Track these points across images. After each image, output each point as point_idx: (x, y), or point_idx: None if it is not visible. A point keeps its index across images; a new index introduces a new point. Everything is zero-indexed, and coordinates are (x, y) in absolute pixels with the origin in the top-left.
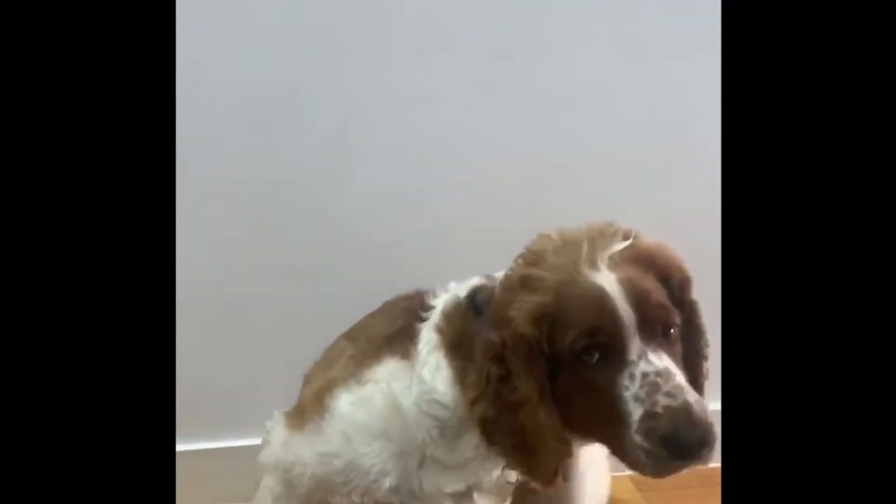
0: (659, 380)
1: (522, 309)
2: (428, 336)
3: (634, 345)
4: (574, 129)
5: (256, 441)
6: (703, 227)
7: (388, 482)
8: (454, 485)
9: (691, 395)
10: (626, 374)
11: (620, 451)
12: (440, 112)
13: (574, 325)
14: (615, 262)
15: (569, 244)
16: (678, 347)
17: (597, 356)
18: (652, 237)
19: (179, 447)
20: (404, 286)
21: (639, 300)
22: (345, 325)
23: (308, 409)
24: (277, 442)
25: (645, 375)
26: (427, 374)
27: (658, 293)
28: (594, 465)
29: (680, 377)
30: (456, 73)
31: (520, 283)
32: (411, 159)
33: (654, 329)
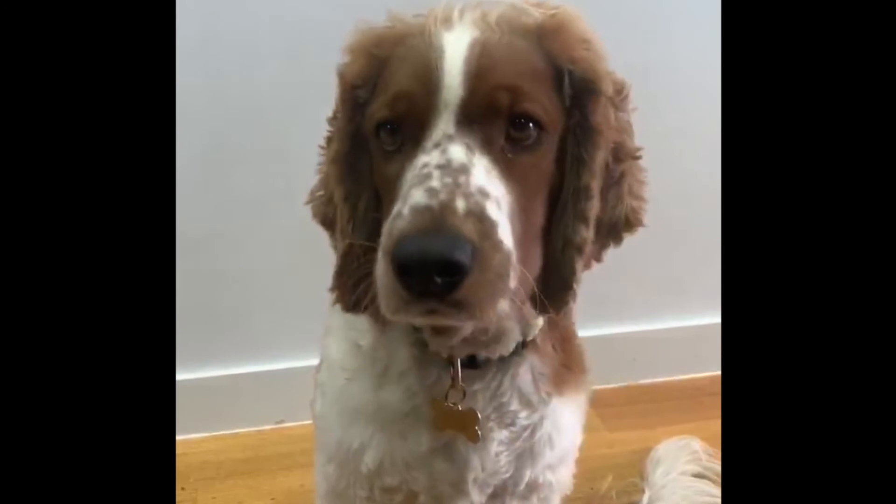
0: (435, 172)
1: (351, 45)
2: None
3: (441, 126)
4: None
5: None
6: None
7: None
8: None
9: (461, 198)
10: (414, 165)
11: None
12: None
13: (384, 89)
14: (485, 25)
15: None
16: (543, 160)
17: (398, 139)
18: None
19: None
20: None
21: (478, 71)
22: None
23: None
24: None
25: (424, 166)
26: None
27: (512, 69)
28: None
29: (478, 179)
30: None
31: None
32: None
33: (487, 116)
